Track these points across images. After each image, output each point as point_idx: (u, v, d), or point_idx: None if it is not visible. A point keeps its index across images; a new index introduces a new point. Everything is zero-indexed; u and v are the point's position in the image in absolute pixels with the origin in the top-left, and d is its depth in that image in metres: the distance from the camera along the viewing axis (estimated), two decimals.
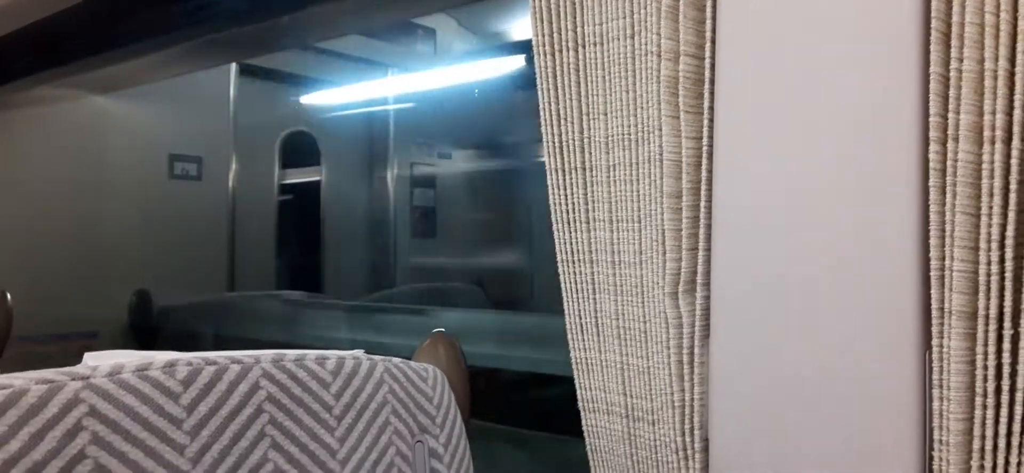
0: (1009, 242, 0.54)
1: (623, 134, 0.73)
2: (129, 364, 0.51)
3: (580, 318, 0.78)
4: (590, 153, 0.76)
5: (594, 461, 0.79)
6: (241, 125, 2.92)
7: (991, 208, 0.55)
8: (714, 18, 0.67)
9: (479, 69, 3.07)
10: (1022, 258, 0.55)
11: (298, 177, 3.16)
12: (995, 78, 0.54)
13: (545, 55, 0.77)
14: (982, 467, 0.56)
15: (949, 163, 0.56)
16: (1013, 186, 0.54)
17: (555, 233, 0.79)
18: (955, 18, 0.56)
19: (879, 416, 0.59)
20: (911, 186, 0.57)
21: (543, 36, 0.77)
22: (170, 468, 0.50)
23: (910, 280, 0.57)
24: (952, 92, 0.56)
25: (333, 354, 0.62)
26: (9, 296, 1.61)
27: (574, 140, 0.77)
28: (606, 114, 0.74)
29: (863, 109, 0.60)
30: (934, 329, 0.57)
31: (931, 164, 0.56)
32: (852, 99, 0.60)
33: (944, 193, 0.56)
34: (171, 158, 2.73)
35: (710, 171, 0.68)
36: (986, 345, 0.55)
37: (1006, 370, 0.55)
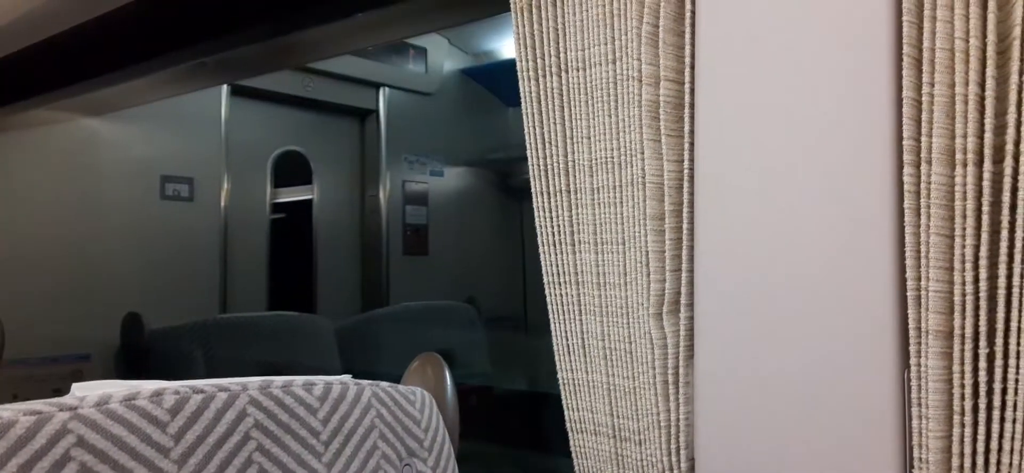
0: (983, 262, 0.55)
1: (606, 157, 0.74)
2: (117, 394, 0.51)
3: (567, 339, 0.79)
4: (574, 176, 0.77)
5: None
6: (233, 145, 2.93)
7: (965, 229, 0.56)
8: (693, 44, 0.69)
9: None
10: (996, 277, 0.56)
11: (290, 196, 3.16)
12: (966, 102, 0.56)
13: (529, 80, 0.79)
14: None
15: (923, 185, 0.57)
16: (986, 207, 0.55)
17: (541, 254, 0.80)
18: (925, 44, 0.57)
19: (860, 435, 0.60)
20: (887, 208, 0.59)
21: (527, 61, 0.79)
22: None
23: (887, 300, 0.59)
24: (924, 116, 0.57)
25: (320, 380, 0.62)
26: (0, 319, 1.60)
27: (559, 163, 0.78)
28: (589, 137, 0.75)
29: (839, 132, 0.61)
30: (912, 349, 0.58)
31: (905, 186, 0.58)
32: (828, 122, 0.61)
33: (919, 214, 0.57)
34: (163, 179, 2.73)
35: (692, 193, 0.69)
36: (962, 364, 0.56)
37: (982, 388, 0.56)
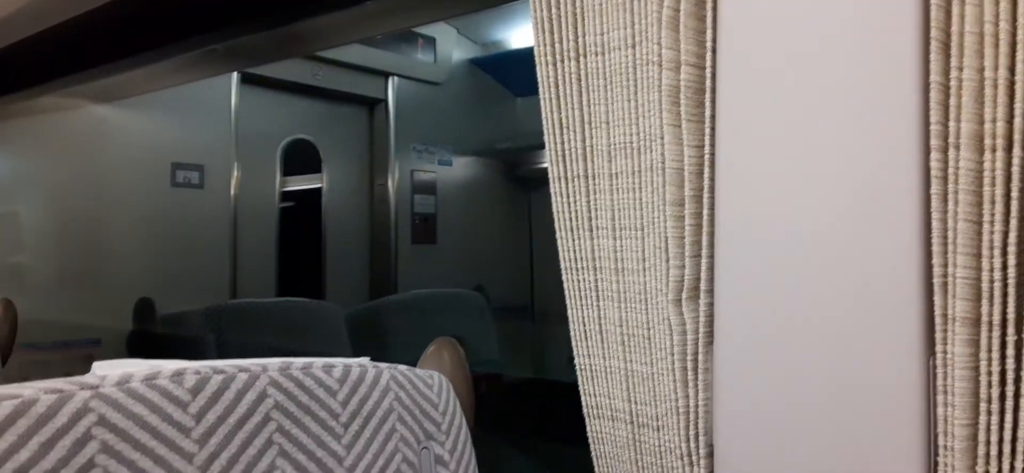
0: (1011, 249, 0.55)
1: (625, 143, 0.73)
2: (138, 373, 0.51)
3: (584, 325, 0.79)
4: (593, 161, 0.76)
5: (599, 467, 0.80)
6: (242, 133, 2.93)
7: (993, 215, 0.55)
8: (714, 28, 0.68)
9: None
10: None
11: (300, 184, 3.16)
12: (995, 86, 0.55)
13: (547, 65, 0.78)
14: (987, 472, 0.56)
15: (950, 171, 0.56)
16: (1014, 193, 0.55)
17: (559, 240, 0.79)
18: (954, 27, 0.56)
19: (884, 422, 0.59)
20: (913, 194, 0.58)
21: (544, 46, 0.78)
22: None
23: (913, 287, 0.58)
24: (952, 100, 0.56)
25: (340, 362, 0.62)
26: (14, 304, 1.61)
27: (577, 148, 0.77)
28: (608, 123, 0.74)
29: (864, 117, 0.60)
30: (937, 335, 0.57)
31: (932, 172, 0.57)
32: (853, 107, 0.61)
33: (946, 200, 0.57)
34: (173, 166, 2.74)
35: (712, 179, 0.69)
36: (990, 351, 0.55)
37: (1010, 376, 0.55)
